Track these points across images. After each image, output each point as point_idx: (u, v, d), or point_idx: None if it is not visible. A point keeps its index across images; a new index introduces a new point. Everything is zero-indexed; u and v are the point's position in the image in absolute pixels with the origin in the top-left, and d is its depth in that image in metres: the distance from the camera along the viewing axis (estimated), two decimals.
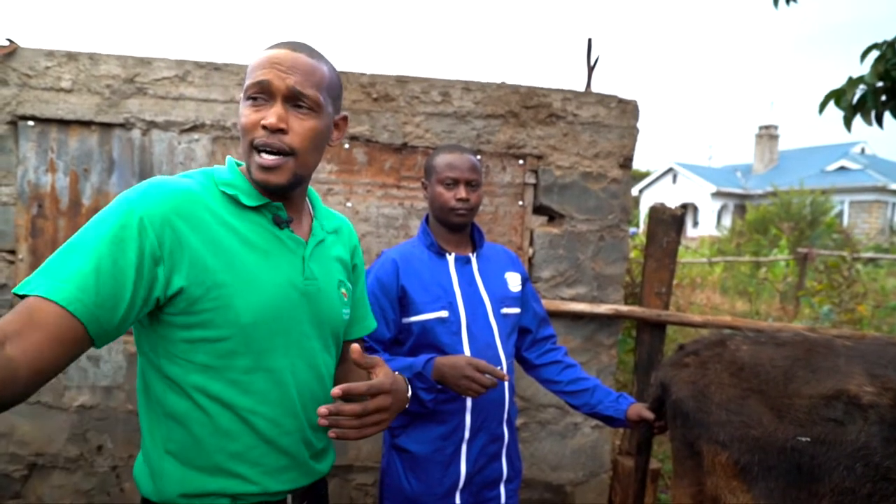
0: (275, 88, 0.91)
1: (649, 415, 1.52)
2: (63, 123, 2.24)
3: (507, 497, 1.59)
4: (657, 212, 2.45)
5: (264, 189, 0.96)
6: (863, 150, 27.07)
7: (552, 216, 2.48)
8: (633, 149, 2.44)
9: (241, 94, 0.95)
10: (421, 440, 1.49)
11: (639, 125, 2.45)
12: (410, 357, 1.48)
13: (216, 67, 2.29)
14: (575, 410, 1.84)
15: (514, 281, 1.64)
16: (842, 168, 25.01)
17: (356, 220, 2.38)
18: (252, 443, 0.93)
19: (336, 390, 0.83)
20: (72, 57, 2.22)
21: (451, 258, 1.57)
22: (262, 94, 0.91)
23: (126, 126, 2.26)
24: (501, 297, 1.59)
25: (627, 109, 2.43)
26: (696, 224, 26.94)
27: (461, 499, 1.51)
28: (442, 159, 1.54)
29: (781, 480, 1.16)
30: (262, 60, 0.92)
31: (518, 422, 2.47)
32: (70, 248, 0.82)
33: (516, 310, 1.62)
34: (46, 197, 2.26)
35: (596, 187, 2.44)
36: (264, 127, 0.90)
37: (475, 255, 1.60)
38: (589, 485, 2.53)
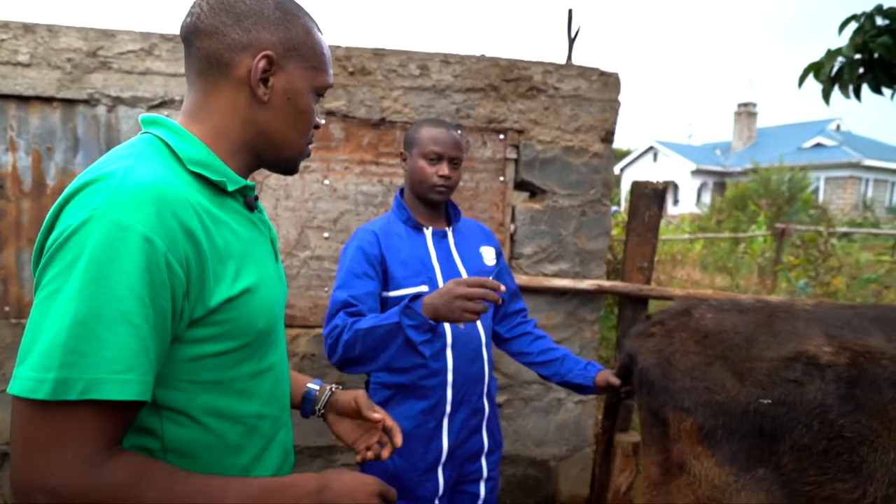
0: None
1: (616, 381, 1.54)
2: (22, 100, 2.14)
3: (489, 469, 1.61)
4: (639, 186, 2.43)
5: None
6: (838, 127, 27.47)
7: (533, 192, 2.45)
8: (614, 122, 2.42)
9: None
10: (403, 416, 1.47)
11: (620, 98, 2.42)
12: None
13: None
14: (546, 381, 1.85)
15: (489, 255, 1.65)
16: (818, 145, 25.37)
17: (334, 197, 2.32)
18: (258, 449, 0.86)
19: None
20: (28, 29, 2.11)
21: (428, 232, 1.56)
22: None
23: (90, 102, 2.16)
24: (478, 270, 1.59)
25: (609, 82, 2.40)
26: (676, 202, 27.20)
27: (443, 473, 1.52)
28: (426, 133, 1.51)
29: (744, 443, 1.18)
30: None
31: (501, 398, 2.47)
32: (89, 313, 0.62)
33: None
34: (7, 177, 2.16)
35: (577, 162, 2.41)
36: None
37: (451, 229, 1.60)
38: (572, 459, 2.55)
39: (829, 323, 1.21)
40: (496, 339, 1.75)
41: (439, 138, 1.50)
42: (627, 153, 30.07)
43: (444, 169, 1.50)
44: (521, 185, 2.44)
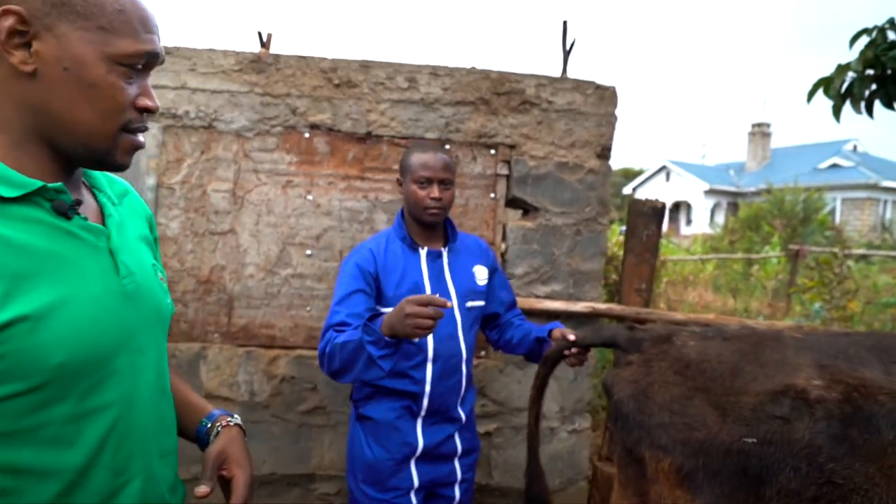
0: None
1: (572, 335, 1.55)
2: None
3: (463, 472, 1.68)
4: (637, 204, 2.32)
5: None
6: (855, 148, 27.09)
7: (526, 209, 2.35)
8: (611, 138, 2.31)
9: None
10: (383, 408, 1.60)
11: (617, 112, 2.32)
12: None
13: (167, 52, 2.15)
14: (529, 362, 1.86)
15: (481, 274, 1.74)
16: (834, 165, 25.01)
17: (318, 213, 2.24)
18: None
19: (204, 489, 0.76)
20: None
21: (423, 252, 1.64)
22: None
23: None
24: (468, 290, 1.68)
25: (605, 96, 2.30)
26: (689, 222, 26.92)
27: (417, 468, 1.61)
28: (416, 159, 1.61)
29: (727, 486, 1.05)
30: None
31: (491, 426, 2.34)
32: None
33: (480, 303, 1.73)
34: None
35: (572, 178, 2.31)
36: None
37: (446, 249, 1.68)
38: (566, 493, 2.40)
39: (821, 352, 1.09)
40: (493, 345, 1.86)
41: (428, 163, 1.59)
42: (640, 173, 29.92)
43: (435, 191, 1.59)
44: (512, 203, 2.34)
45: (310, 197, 2.24)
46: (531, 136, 2.29)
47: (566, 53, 2.30)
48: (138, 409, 0.78)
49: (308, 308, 2.24)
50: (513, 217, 2.35)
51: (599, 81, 2.31)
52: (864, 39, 3.00)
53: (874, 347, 1.05)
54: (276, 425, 2.23)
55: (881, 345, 1.05)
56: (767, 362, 1.08)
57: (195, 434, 0.93)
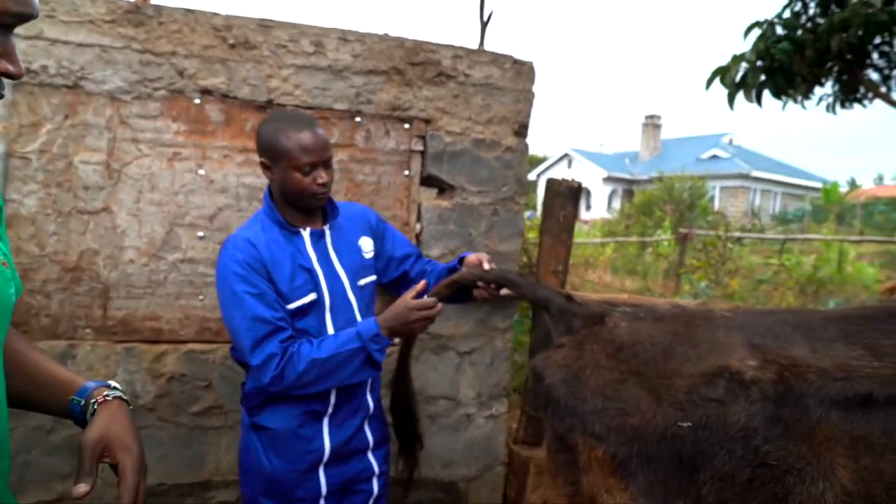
0: None
1: (488, 263, 1.52)
2: None
3: (378, 465, 1.59)
4: (554, 184, 2.28)
5: None
6: (731, 141, 29.73)
7: (442, 188, 2.24)
8: (528, 115, 2.25)
9: None
10: (282, 416, 1.45)
11: (535, 90, 2.26)
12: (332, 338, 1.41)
13: None
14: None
15: (367, 246, 1.60)
16: (714, 156, 27.30)
17: (211, 190, 1.99)
18: None
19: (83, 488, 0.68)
20: None
21: (305, 234, 1.48)
22: None
23: None
24: (357, 268, 1.55)
25: (523, 71, 2.23)
26: (589, 207, 28.30)
27: (326, 474, 1.48)
28: (292, 142, 1.38)
29: (661, 472, 1.01)
30: None
31: None
32: None
33: (372, 277, 1.60)
34: None
35: (489, 156, 2.23)
36: None
37: (328, 226, 1.52)
38: (483, 479, 2.35)
39: (750, 331, 1.08)
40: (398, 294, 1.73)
41: (309, 146, 1.38)
42: (544, 159, 30.93)
43: (322, 175, 1.41)
44: (427, 181, 2.21)
45: (201, 172, 1.98)
46: (447, 110, 2.17)
47: (483, 25, 2.20)
48: None
49: (201, 297, 2.00)
50: (428, 196, 2.23)
51: (517, 56, 2.24)
52: (757, 32, 3.19)
53: (798, 325, 1.04)
54: (164, 429, 1.97)
55: (805, 322, 1.05)
56: (699, 343, 1.05)
57: (69, 414, 0.83)
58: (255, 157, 2.02)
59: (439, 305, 1.44)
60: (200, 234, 1.99)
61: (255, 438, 1.47)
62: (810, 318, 1.06)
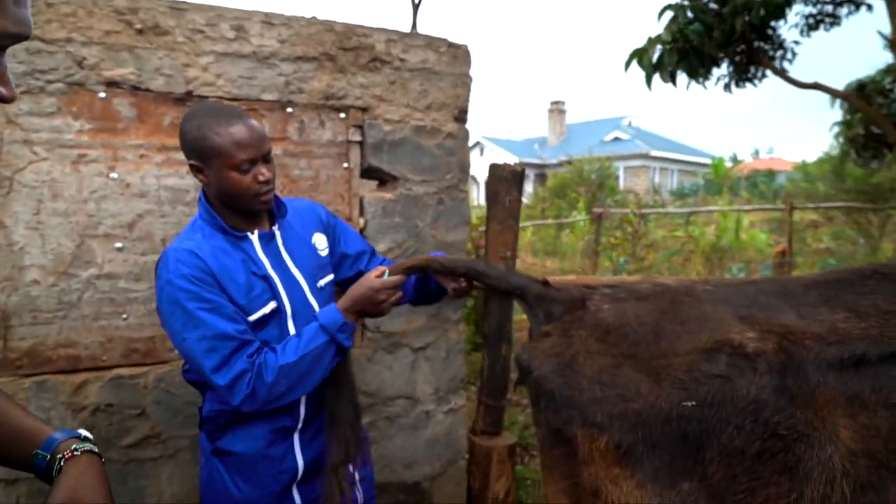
0: None
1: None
2: None
3: (359, 471, 1.49)
4: (497, 169, 2.24)
5: None
6: (630, 123, 31.44)
7: (383, 179, 2.14)
8: (467, 99, 2.20)
9: None
10: (247, 438, 1.32)
11: (472, 73, 2.21)
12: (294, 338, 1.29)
13: None
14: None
15: (321, 243, 1.48)
16: (616, 138, 28.77)
17: (127, 195, 1.77)
18: None
19: None
20: None
21: (254, 238, 1.33)
22: None
23: None
24: (314, 268, 1.43)
25: (459, 55, 2.17)
26: None
27: (301, 493, 1.37)
28: (225, 138, 1.22)
29: (666, 456, 0.99)
30: None
31: (365, 420, 2.12)
32: None
33: (330, 276, 1.49)
34: None
35: (430, 143, 2.15)
36: None
37: (277, 227, 1.38)
38: (447, 475, 2.30)
39: (736, 303, 1.09)
40: None
41: (243, 140, 1.22)
42: None
43: (263, 172, 1.25)
44: (368, 172, 2.10)
45: (114, 175, 1.75)
46: (384, 97, 2.07)
47: (415, 7, 2.11)
48: None
49: (124, 316, 1.78)
50: (370, 188, 2.12)
51: (451, 39, 2.17)
52: (669, 14, 3.33)
53: (780, 293, 1.06)
54: None
55: (785, 290, 1.07)
56: (688, 319, 1.04)
57: (34, 470, 0.73)
58: (177, 156, 1.83)
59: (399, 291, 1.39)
60: (118, 245, 1.76)
61: (219, 465, 1.33)
62: (790, 285, 1.09)
